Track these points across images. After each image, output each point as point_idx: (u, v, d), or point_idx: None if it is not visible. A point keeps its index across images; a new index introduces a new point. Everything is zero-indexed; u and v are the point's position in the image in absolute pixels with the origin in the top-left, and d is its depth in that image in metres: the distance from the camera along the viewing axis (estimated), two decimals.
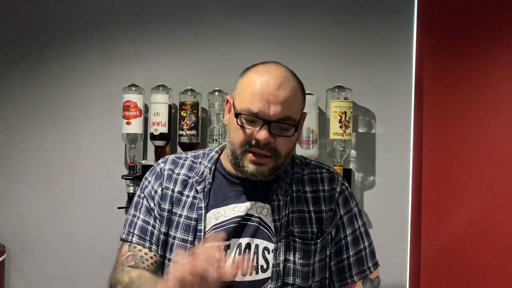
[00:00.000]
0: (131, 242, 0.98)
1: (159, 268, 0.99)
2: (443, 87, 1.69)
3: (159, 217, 0.99)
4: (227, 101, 1.01)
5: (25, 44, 1.99)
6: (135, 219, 1.00)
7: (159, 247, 0.98)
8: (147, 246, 0.97)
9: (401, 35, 1.73)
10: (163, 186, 1.01)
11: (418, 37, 1.72)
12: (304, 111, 0.99)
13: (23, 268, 1.99)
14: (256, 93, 0.91)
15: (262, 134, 0.90)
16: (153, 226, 0.99)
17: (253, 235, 0.96)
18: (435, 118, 1.69)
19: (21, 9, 2.00)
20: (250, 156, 0.92)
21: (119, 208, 1.78)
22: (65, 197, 1.95)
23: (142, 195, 1.03)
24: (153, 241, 0.98)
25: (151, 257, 0.97)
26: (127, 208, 1.77)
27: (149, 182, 1.04)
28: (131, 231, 0.99)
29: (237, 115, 0.92)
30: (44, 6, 1.97)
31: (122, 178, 1.73)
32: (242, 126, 0.92)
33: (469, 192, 1.64)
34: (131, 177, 1.73)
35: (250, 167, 0.93)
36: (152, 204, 1.00)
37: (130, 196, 1.74)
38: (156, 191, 1.01)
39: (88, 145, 1.93)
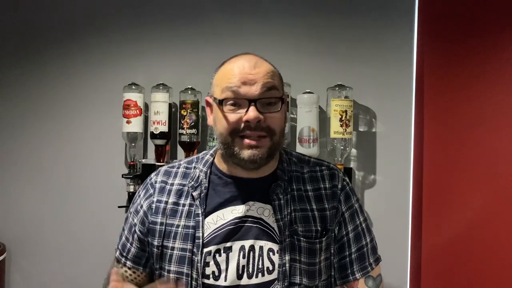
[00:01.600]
0: (116, 256, 1.04)
1: (152, 280, 0.99)
2: (444, 85, 1.68)
3: (139, 233, 1.00)
4: (207, 103, 1.00)
5: (25, 44, 1.99)
6: (123, 234, 1.05)
7: (138, 262, 1.01)
8: (122, 262, 1.01)
9: (402, 34, 1.73)
10: (155, 199, 1.00)
11: (419, 35, 1.72)
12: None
13: (24, 267, 1.98)
14: (234, 77, 0.90)
15: (250, 113, 0.87)
16: (131, 244, 1.02)
17: (257, 237, 0.95)
18: (436, 116, 1.69)
19: (21, 9, 1.99)
20: (245, 141, 0.90)
21: (119, 207, 1.78)
22: (66, 196, 1.94)
23: (131, 210, 1.05)
24: (129, 257, 1.01)
25: (130, 274, 1.01)
26: (127, 207, 1.77)
27: (138, 196, 1.05)
28: (118, 246, 1.05)
29: (221, 101, 0.90)
30: (44, 6, 1.97)
31: (122, 177, 1.73)
32: (228, 112, 0.90)
33: (470, 191, 1.64)
34: (131, 176, 1.73)
35: (246, 153, 0.90)
36: (135, 220, 1.01)
37: (130, 195, 1.74)
38: (142, 206, 1.01)
39: (88, 144, 1.93)
